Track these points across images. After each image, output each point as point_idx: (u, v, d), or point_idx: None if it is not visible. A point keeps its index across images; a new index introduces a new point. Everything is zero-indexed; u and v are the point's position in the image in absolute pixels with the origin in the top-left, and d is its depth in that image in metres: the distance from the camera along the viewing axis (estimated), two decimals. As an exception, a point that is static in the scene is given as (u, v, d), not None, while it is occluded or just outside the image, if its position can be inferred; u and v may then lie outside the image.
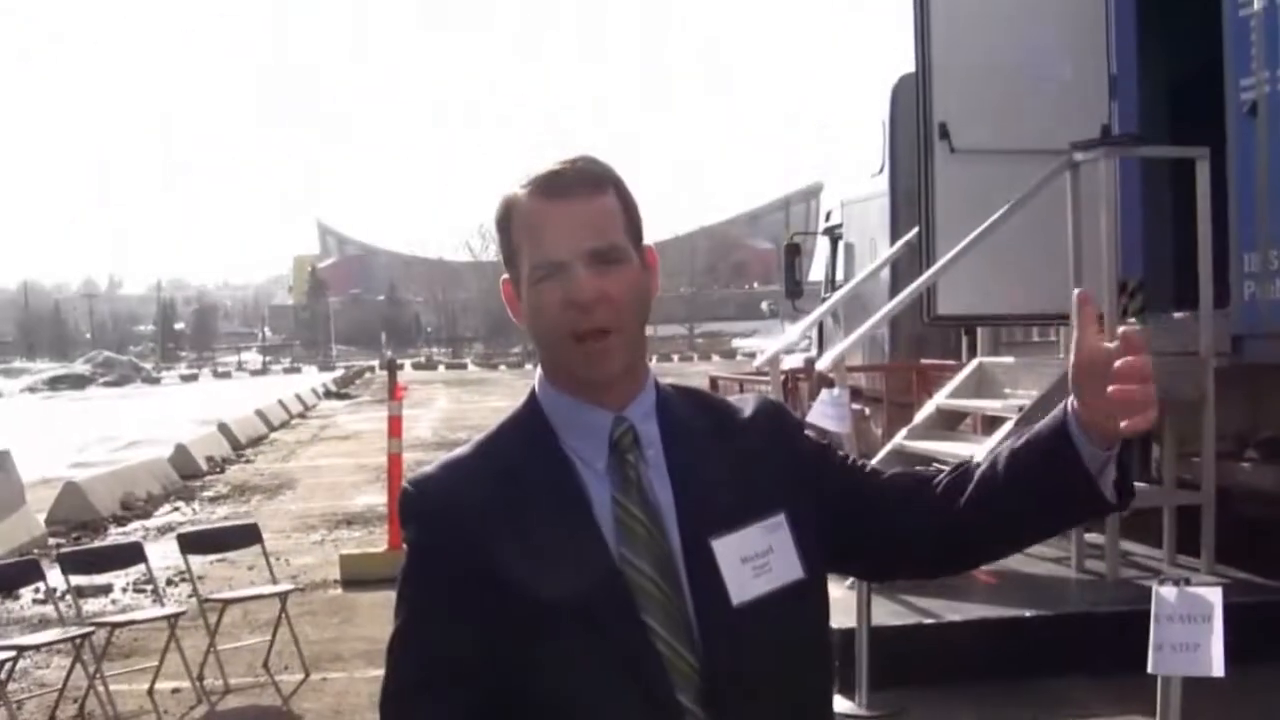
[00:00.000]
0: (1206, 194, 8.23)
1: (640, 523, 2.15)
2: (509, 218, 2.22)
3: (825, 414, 7.70)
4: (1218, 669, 2.96)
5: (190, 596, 10.82)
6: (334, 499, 20.47)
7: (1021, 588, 7.98)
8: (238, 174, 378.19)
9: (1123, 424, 2.03)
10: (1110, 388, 2.01)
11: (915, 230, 9.89)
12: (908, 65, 9.99)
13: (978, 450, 8.19)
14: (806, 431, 2.43)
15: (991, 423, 9.51)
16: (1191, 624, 3.01)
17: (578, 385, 2.21)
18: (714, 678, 2.11)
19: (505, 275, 2.27)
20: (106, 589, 12.88)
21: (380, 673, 2.25)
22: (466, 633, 2.13)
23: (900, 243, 11.37)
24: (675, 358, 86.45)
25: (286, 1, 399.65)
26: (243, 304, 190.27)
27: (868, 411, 14.29)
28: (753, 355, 32.35)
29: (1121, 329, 2.06)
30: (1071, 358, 2.09)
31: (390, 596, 2.27)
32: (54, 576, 9.70)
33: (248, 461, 27.74)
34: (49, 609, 10.44)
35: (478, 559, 2.12)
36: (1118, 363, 2.01)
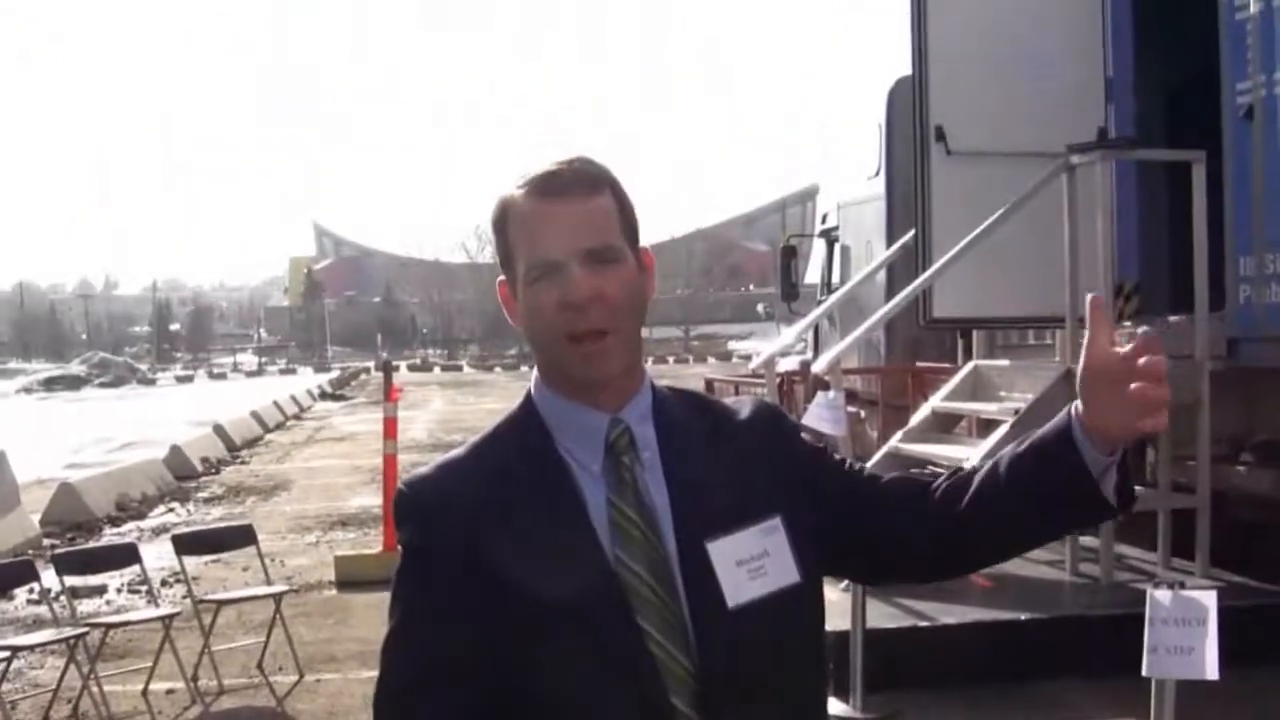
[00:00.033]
0: (1202, 197, 8.23)
1: (635, 525, 2.15)
2: (505, 218, 2.22)
3: (821, 416, 7.69)
4: (1212, 672, 2.96)
5: (185, 597, 10.81)
6: (329, 500, 20.46)
7: (1016, 590, 7.98)
8: (234, 175, 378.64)
9: (1142, 423, 2.04)
10: (1131, 386, 2.02)
11: (911, 233, 9.89)
12: (906, 67, 9.98)
13: (973, 453, 8.20)
14: (803, 434, 2.43)
15: (987, 426, 9.51)
16: (1186, 627, 3.01)
17: (574, 386, 2.21)
18: (709, 680, 2.11)
19: (501, 277, 2.26)
20: (101, 590, 12.88)
21: (374, 674, 2.24)
22: (461, 634, 2.12)
23: (896, 245, 11.37)
24: (670, 360, 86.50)
25: (286, 1, 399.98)
26: (238, 305, 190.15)
27: (863, 414, 14.29)
28: (748, 358, 32.35)
29: (1141, 329, 2.09)
30: (1082, 361, 2.11)
31: (385, 598, 2.26)
32: (48, 577, 9.69)
33: (243, 463, 27.73)
34: (43, 610, 10.42)
35: (472, 560, 2.12)
36: (1142, 360, 2.02)
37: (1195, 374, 8.15)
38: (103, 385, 79.85)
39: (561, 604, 2.08)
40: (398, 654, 2.20)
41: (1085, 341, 2.11)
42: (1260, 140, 8.13)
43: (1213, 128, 8.49)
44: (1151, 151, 9.35)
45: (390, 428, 14.06)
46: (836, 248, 16.78)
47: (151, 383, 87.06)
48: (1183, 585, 3.07)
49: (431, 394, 55.25)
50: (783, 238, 25.42)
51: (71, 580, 9.82)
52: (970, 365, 10.11)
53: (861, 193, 15.50)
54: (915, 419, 9.89)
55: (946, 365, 11.85)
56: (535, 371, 2.29)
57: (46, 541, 16.54)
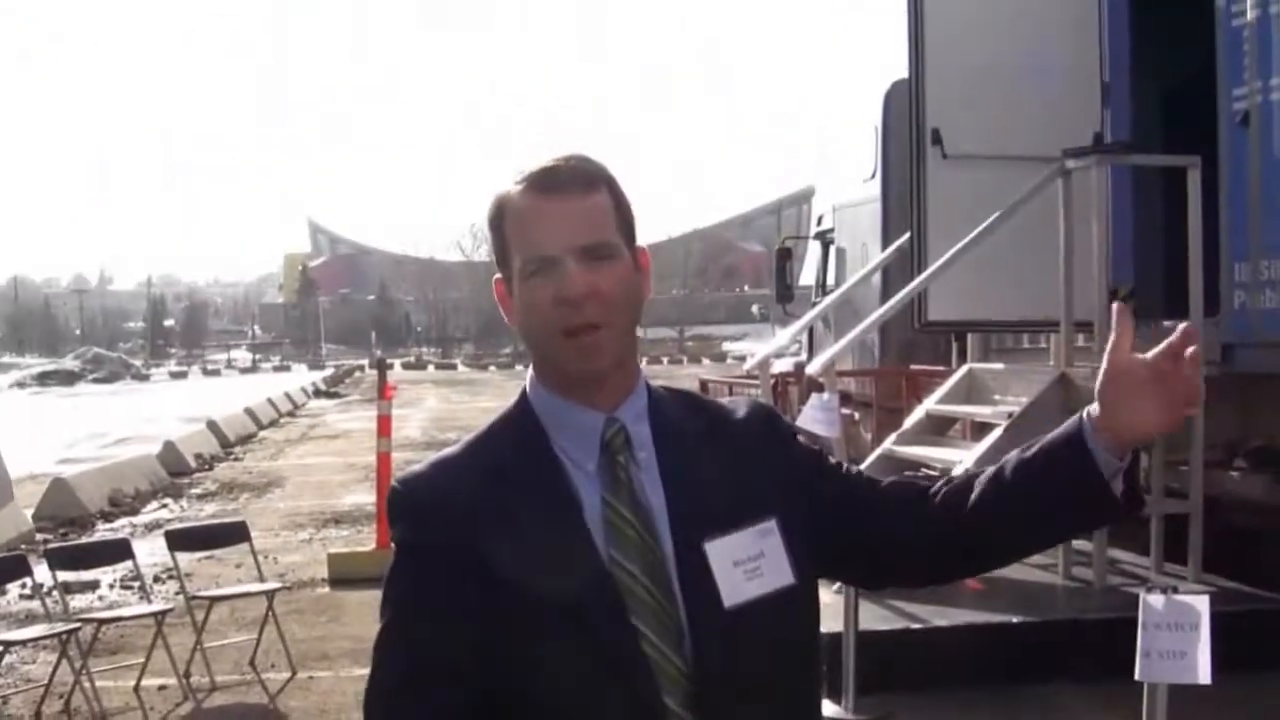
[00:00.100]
0: (1197, 203, 8.24)
1: (630, 524, 2.15)
2: (502, 215, 2.22)
3: (815, 418, 7.70)
4: (1204, 677, 2.97)
5: (177, 594, 10.82)
6: (322, 498, 20.46)
7: (1009, 594, 7.98)
8: (230, 172, 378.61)
9: (1179, 414, 2.13)
10: (1172, 378, 2.11)
11: (907, 236, 9.90)
12: (904, 70, 9.98)
13: (967, 456, 8.21)
14: (799, 436, 2.43)
15: (981, 429, 9.51)
16: (1179, 632, 3.02)
17: (569, 384, 2.21)
18: (705, 679, 2.11)
19: (498, 275, 2.26)
20: (93, 585, 12.86)
21: (367, 672, 2.24)
22: (453, 632, 2.12)
23: (892, 248, 11.37)
24: (665, 360, 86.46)
25: (286, 1, 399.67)
26: (233, 302, 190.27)
27: (857, 416, 14.28)
28: (743, 359, 32.37)
29: (1182, 325, 2.15)
30: (1105, 365, 2.15)
31: (378, 596, 2.26)
32: (41, 572, 9.69)
33: (236, 459, 27.72)
34: (35, 604, 10.43)
35: (466, 558, 2.12)
36: (1188, 351, 2.10)
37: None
38: (97, 381, 79.77)
39: (555, 603, 2.08)
40: (390, 652, 2.20)
41: (1108, 347, 2.16)
42: (1256, 146, 8.14)
43: (1208, 133, 8.50)
44: (1147, 157, 9.35)
45: (384, 425, 14.06)
46: (832, 250, 16.79)
47: (145, 378, 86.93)
48: (1176, 590, 3.08)
49: (426, 392, 55.24)
50: (778, 239, 25.47)
51: (64, 575, 9.80)
52: (965, 368, 10.11)
53: (857, 195, 15.51)
54: (909, 422, 9.89)
55: (941, 368, 11.85)
56: (530, 370, 2.29)
57: (39, 536, 16.51)
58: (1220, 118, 8.39)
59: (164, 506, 20.23)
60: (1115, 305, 2.21)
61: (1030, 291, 9.04)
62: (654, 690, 2.08)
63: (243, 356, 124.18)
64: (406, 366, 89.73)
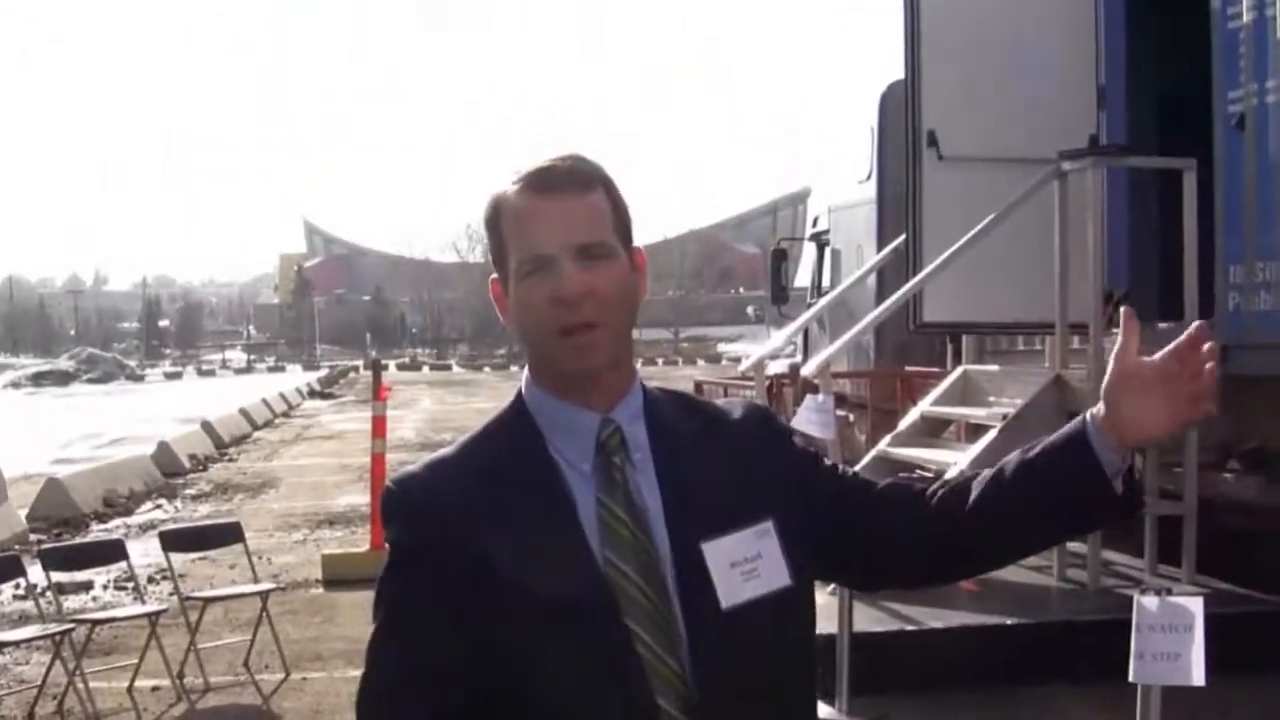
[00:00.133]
0: (1193, 205, 8.23)
1: (625, 525, 2.15)
2: (498, 215, 2.22)
3: (810, 420, 7.69)
4: (1198, 678, 2.97)
5: (171, 594, 10.82)
6: (317, 498, 20.46)
7: (1003, 596, 7.97)
8: (225, 173, 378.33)
9: (1193, 412, 2.17)
10: (1189, 376, 2.16)
11: (902, 237, 9.89)
12: (902, 70, 9.98)
13: (962, 458, 8.20)
14: (794, 438, 2.43)
15: (976, 430, 9.50)
16: (1173, 633, 3.02)
17: (564, 384, 2.21)
18: (703, 680, 2.11)
19: (494, 275, 2.26)
20: (87, 586, 12.86)
21: (360, 673, 2.24)
22: (447, 632, 2.12)
23: (887, 249, 11.37)
24: (660, 361, 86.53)
25: (286, 1, 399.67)
26: (228, 302, 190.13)
27: (852, 418, 14.30)
28: (738, 360, 32.38)
29: (1196, 323, 2.24)
30: (1112, 368, 2.19)
31: (372, 597, 2.26)
32: (35, 572, 9.69)
33: (231, 460, 27.73)
34: (29, 605, 10.43)
35: (461, 559, 2.12)
36: (1206, 347, 2.15)
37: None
38: (91, 381, 79.75)
39: (549, 604, 2.09)
40: (383, 653, 2.20)
41: (1115, 350, 2.20)
42: (1251, 149, 8.14)
43: (1204, 136, 8.50)
44: (1143, 159, 9.34)
45: (379, 426, 14.06)
46: (827, 251, 16.79)
47: (140, 379, 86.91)
48: (1169, 592, 3.08)
49: (420, 393, 55.22)
50: (773, 241, 25.46)
51: (58, 576, 9.80)
52: (959, 370, 10.10)
53: (852, 196, 15.51)
54: (904, 423, 9.88)
55: (936, 370, 11.84)
56: (526, 371, 2.29)
57: (33, 537, 16.53)
58: (1215, 120, 8.38)
59: (158, 507, 20.24)
60: (1123, 310, 2.24)
61: (1025, 293, 9.04)
62: (648, 691, 2.09)
63: (237, 357, 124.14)
64: (401, 367, 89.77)
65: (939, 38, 9.35)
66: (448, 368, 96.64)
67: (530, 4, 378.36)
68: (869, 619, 7.35)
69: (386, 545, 2.26)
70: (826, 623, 6.71)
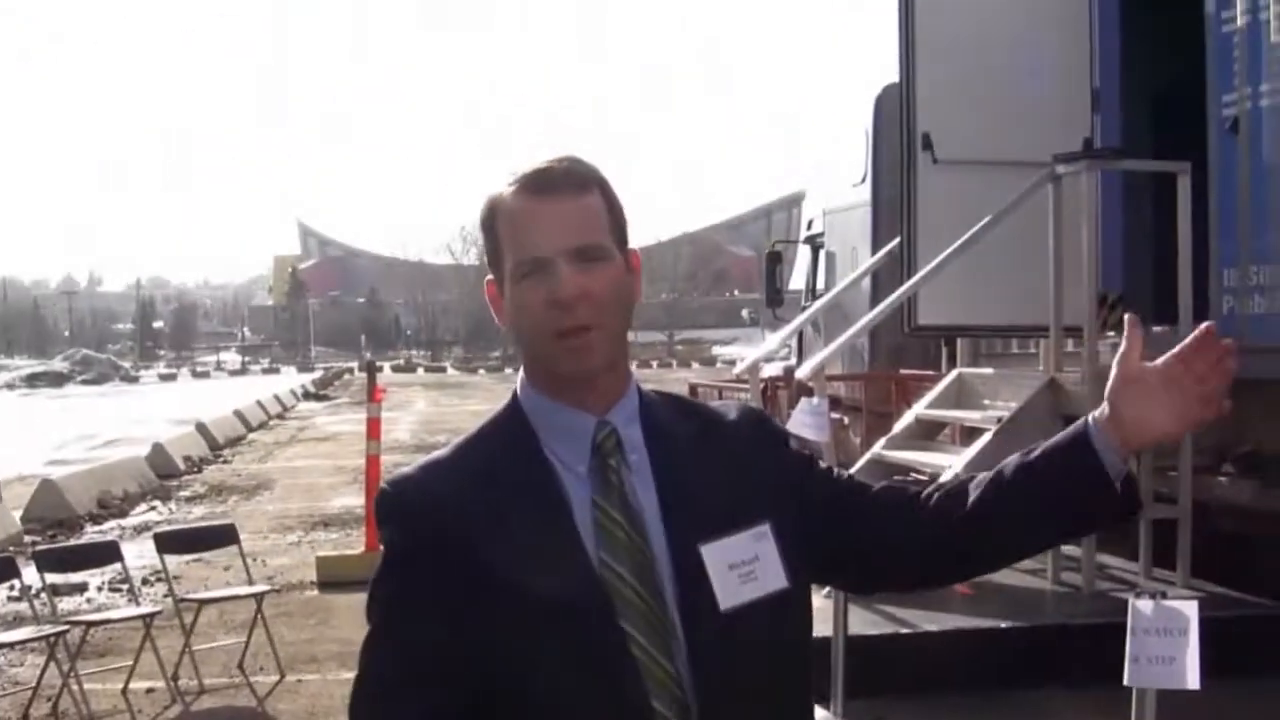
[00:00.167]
0: (1187, 208, 8.24)
1: (620, 527, 2.15)
2: (494, 216, 2.22)
3: (805, 423, 7.69)
4: (1193, 682, 2.96)
5: (166, 596, 10.80)
6: (311, 500, 20.45)
7: (998, 599, 7.98)
8: (221, 174, 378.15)
9: (1204, 412, 2.21)
10: (1199, 377, 2.20)
11: (897, 240, 9.90)
12: (896, 73, 9.98)
13: (956, 461, 8.21)
14: (790, 441, 2.44)
15: (970, 434, 9.52)
16: (1167, 637, 3.01)
17: (559, 385, 2.21)
18: (701, 681, 2.12)
19: (490, 276, 2.26)
20: (82, 587, 12.85)
21: (355, 675, 2.24)
22: (442, 634, 2.12)
23: (882, 252, 11.38)
24: (654, 364, 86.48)
25: (286, 1, 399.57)
26: (223, 304, 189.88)
27: (847, 421, 14.31)
28: (732, 363, 32.41)
29: (1204, 325, 2.26)
30: (1114, 371, 2.22)
31: (366, 599, 2.26)
32: (29, 574, 9.67)
33: (225, 462, 27.70)
34: (23, 606, 10.41)
35: (455, 560, 2.12)
36: (1223, 343, 2.21)
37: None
38: (85, 382, 79.61)
39: (544, 605, 2.08)
40: (376, 654, 2.20)
41: (1118, 356, 2.23)
42: (1246, 152, 8.15)
43: (1198, 139, 8.51)
44: (1137, 162, 9.35)
45: (373, 428, 14.05)
46: (822, 254, 16.80)
47: (134, 380, 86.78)
48: (1164, 595, 3.08)
49: (415, 395, 55.19)
50: (768, 243, 25.43)
51: (52, 577, 9.80)
52: (954, 373, 10.11)
53: (847, 199, 15.52)
54: (898, 426, 9.88)
55: (930, 373, 11.85)
56: (521, 372, 2.29)
57: (27, 538, 16.49)
58: (1210, 124, 8.40)
59: (153, 509, 20.22)
60: (1127, 316, 2.27)
61: (1020, 296, 9.05)
62: (642, 693, 2.09)
63: (232, 359, 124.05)
64: (396, 369, 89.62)
65: (934, 41, 9.36)
66: (442, 370, 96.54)
67: (530, 4, 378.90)
68: (864, 622, 7.35)
69: (381, 547, 2.26)
70: (822, 626, 6.68)
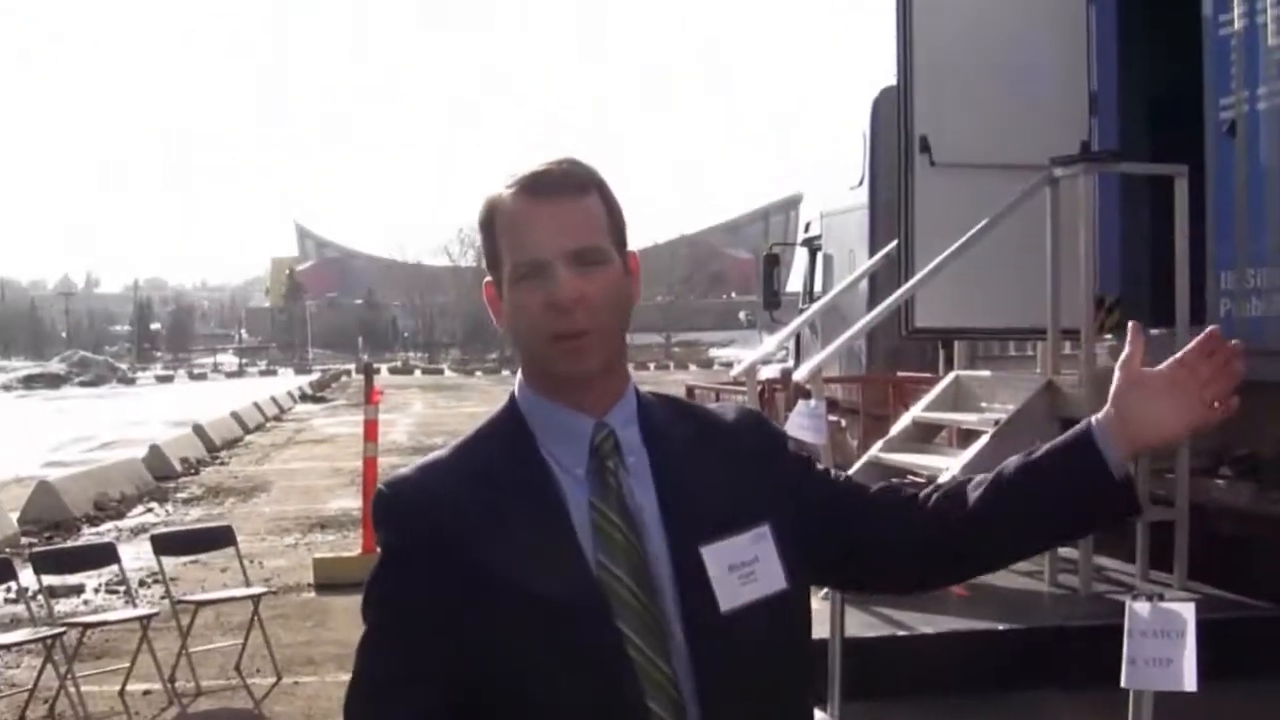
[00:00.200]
0: (1184, 211, 8.25)
1: (618, 529, 2.15)
2: (493, 218, 2.22)
3: (802, 425, 7.69)
4: (1190, 684, 2.97)
5: (163, 598, 10.80)
6: (308, 502, 20.44)
7: (995, 601, 7.98)
8: (218, 175, 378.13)
9: (1210, 415, 2.25)
10: (1207, 379, 2.23)
11: (894, 243, 9.90)
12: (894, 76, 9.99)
13: (953, 463, 8.20)
14: (788, 443, 2.44)
15: (967, 436, 9.51)
16: (1164, 639, 3.02)
17: (556, 387, 2.21)
18: (703, 683, 2.12)
19: (488, 277, 2.26)
20: (79, 589, 12.86)
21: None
22: (438, 634, 2.12)
23: (879, 255, 11.39)
24: (651, 366, 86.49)
25: (286, 1, 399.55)
26: (220, 305, 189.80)
27: (844, 423, 14.29)
28: (730, 365, 32.41)
29: (1209, 329, 2.29)
30: (1117, 375, 2.25)
31: (363, 601, 2.26)
32: (26, 576, 9.67)
33: (222, 464, 27.70)
34: (20, 608, 10.41)
35: (452, 561, 2.12)
36: (1230, 343, 2.25)
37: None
38: (83, 384, 79.60)
39: (541, 606, 2.08)
40: (372, 655, 2.20)
41: (1121, 360, 2.27)
42: (1242, 155, 8.16)
43: (1195, 142, 8.52)
44: (1134, 165, 9.36)
45: (371, 430, 14.05)
46: (819, 256, 16.81)
47: (131, 382, 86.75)
48: (1161, 597, 3.08)
49: (412, 397, 55.19)
50: (766, 246, 25.45)
51: (49, 579, 9.79)
52: (951, 376, 10.11)
53: (844, 202, 15.52)
54: (896, 428, 9.88)
55: (927, 375, 11.85)
56: (519, 374, 2.29)
57: (24, 540, 16.49)
58: (1207, 127, 8.41)
59: (149, 511, 20.22)
60: (1131, 324, 2.30)
61: (1017, 299, 9.05)
62: (638, 693, 2.09)
63: (229, 360, 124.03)
64: (393, 371, 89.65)
65: (931, 43, 9.36)
66: (440, 372, 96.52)
67: (530, 4, 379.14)
68: (861, 624, 7.35)
69: (377, 548, 2.25)
70: (818, 628, 6.65)
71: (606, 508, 2.16)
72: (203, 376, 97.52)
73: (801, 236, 18.79)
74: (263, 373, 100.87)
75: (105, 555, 10.15)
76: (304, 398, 56.98)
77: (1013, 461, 2.32)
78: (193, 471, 25.61)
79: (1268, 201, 8.01)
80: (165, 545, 10.59)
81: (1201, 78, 8.47)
